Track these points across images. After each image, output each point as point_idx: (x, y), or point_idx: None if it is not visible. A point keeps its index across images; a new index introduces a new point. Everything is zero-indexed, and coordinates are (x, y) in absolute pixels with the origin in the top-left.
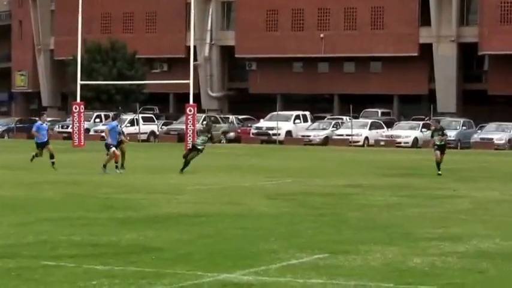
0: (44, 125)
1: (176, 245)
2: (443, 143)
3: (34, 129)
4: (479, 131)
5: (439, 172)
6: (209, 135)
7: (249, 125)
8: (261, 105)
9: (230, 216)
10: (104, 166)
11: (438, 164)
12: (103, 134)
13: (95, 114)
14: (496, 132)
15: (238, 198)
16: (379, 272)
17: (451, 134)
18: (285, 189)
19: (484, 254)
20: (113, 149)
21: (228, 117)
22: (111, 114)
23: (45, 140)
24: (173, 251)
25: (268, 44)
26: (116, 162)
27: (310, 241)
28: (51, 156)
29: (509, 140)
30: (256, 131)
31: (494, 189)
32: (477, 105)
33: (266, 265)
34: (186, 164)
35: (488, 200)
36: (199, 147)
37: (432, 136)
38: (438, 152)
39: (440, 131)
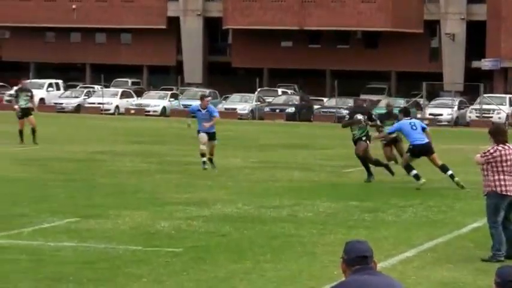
0: None
1: None
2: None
3: None
4: (223, 102)
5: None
6: None
7: (2, 92)
8: (16, 73)
9: None
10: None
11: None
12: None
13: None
14: (239, 103)
15: None
16: (128, 235)
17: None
18: (34, 155)
19: (227, 218)
20: None
21: None
22: None
23: None
24: None
25: (19, 13)
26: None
27: (61, 205)
28: None
29: (252, 110)
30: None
31: (237, 157)
32: (222, 77)
33: (18, 229)
34: None
35: (232, 167)
36: None
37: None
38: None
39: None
